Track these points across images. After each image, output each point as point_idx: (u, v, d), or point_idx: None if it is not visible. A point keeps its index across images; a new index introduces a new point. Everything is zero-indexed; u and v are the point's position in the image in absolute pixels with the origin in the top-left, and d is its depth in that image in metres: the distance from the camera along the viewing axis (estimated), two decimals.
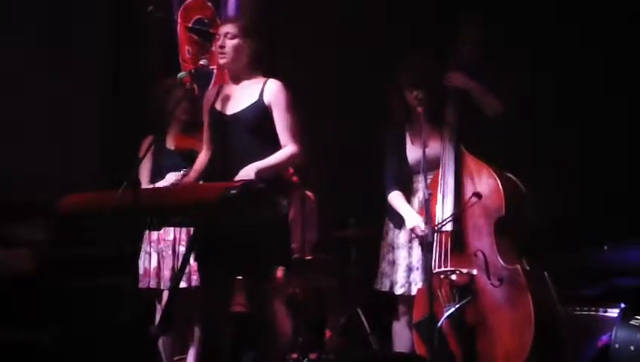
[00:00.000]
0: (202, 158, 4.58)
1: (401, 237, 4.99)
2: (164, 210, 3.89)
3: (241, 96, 4.41)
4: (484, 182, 4.71)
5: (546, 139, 5.71)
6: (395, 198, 4.98)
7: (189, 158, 5.01)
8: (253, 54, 4.42)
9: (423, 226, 4.77)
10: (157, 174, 5.17)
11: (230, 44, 4.39)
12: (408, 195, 4.98)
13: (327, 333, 5.56)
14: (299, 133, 4.35)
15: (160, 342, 4.98)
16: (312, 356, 5.09)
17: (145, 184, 5.15)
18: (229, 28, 4.44)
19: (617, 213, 5.36)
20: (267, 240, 4.19)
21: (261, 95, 4.36)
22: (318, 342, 5.40)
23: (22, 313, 4.48)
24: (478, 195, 4.64)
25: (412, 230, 4.85)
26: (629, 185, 5.41)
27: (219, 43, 4.43)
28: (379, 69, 5.21)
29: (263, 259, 4.25)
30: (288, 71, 5.31)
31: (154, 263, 5.08)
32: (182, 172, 5.05)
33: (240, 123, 4.34)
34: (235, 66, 4.45)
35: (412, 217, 4.86)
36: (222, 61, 4.43)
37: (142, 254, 5.12)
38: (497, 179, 4.66)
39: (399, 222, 4.97)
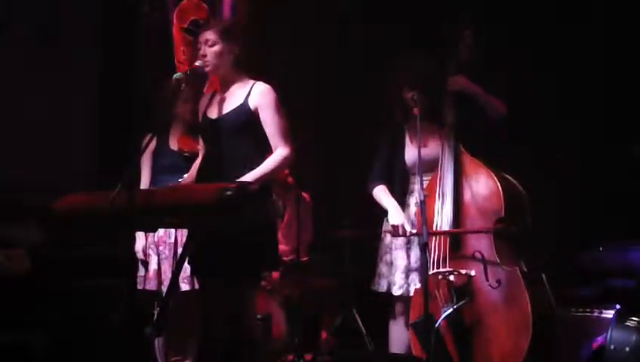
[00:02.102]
0: (198, 163, 4.53)
1: (399, 238, 4.95)
2: (159, 210, 3.88)
3: (229, 99, 4.35)
4: (483, 184, 4.70)
5: (546, 139, 5.69)
6: (381, 192, 4.96)
7: (191, 160, 5.01)
8: (236, 58, 4.34)
9: (408, 226, 4.79)
10: (158, 174, 5.17)
11: (211, 51, 4.30)
12: (403, 194, 4.97)
13: (323, 334, 5.57)
14: (289, 134, 4.28)
15: (156, 344, 4.99)
16: (308, 357, 5.08)
17: (145, 184, 5.15)
18: (208, 35, 4.33)
19: (617, 214, 5.34)
20: (256, 242, 4.14)
21: (247, 98, 4.29)
22: (314, 343, 5.42)
23: (16, 314, 4.50)
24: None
25: (393, 227, 4.82)
26: (629, 185, 5.38)
27: (200, 52, 4.34)
28: (379, 69, 5.20)
29: (252, 261, 4.19)
30: (285, 71, 5.31)
31: (154, 265, 5.08)
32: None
33: (225, 126, 4.29)
34: (219, 72, 4.38)
35: (397, 214, 4.85)
36: (205, 70, 4.33)
37: (142, 256, 5.12)
38: (496, 180, 4.65)
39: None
